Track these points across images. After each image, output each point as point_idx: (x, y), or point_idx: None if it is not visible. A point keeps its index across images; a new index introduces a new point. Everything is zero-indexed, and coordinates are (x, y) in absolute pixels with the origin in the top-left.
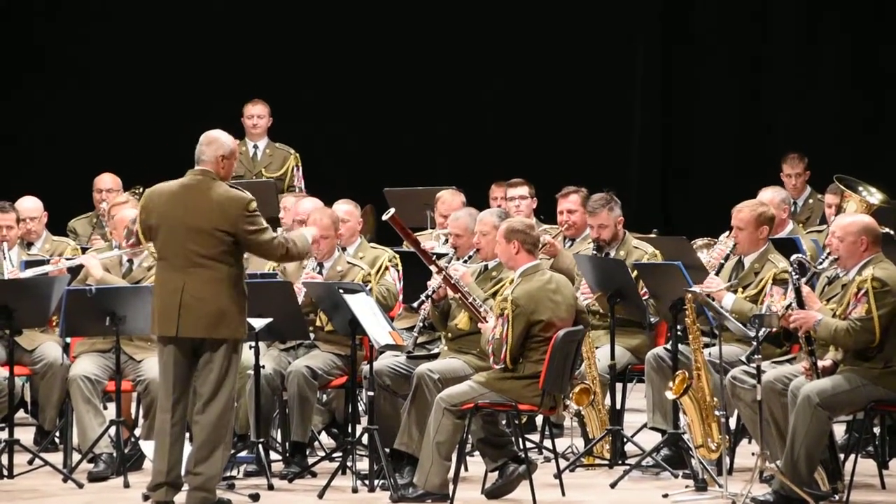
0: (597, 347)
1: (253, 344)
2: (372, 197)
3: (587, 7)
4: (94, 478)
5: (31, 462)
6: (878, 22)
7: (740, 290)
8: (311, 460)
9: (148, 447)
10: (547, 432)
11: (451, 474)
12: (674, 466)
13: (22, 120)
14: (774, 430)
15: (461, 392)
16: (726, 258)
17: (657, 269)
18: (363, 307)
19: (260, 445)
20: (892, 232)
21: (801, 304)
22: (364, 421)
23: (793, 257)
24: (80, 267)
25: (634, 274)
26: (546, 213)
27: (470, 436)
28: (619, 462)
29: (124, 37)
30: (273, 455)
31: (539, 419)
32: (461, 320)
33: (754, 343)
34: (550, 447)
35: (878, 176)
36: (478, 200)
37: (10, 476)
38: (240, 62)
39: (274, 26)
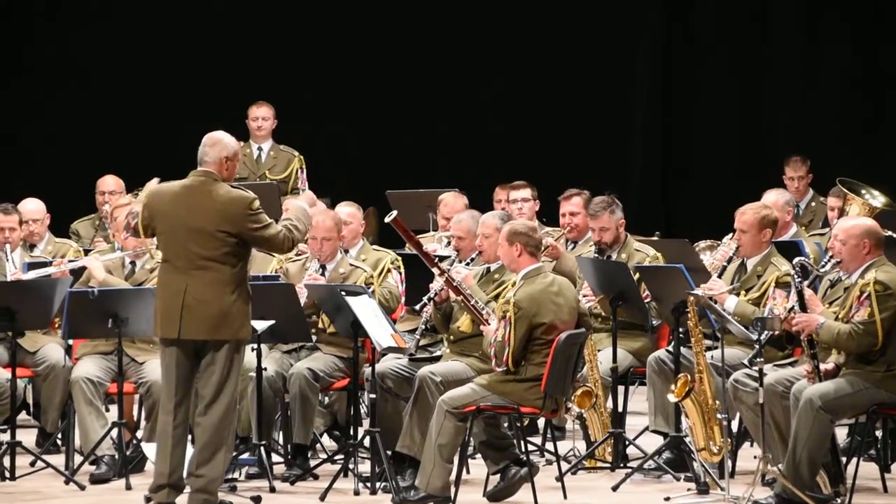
0: (599, 350)
1: (255, 346)
2: (374, 199)
3: (588, 8)
4: (95, 480)
5: (32, 464)
6: (878, 22)
7: (743, 292)
8: (312, 462)
9: (150, 449)
10: (549, 435)
11: (452, 477)
12: (676, 469)
13: (24, 121)
14: (776, 434)
15: (463, 395)
16: (729, 260)
17: (659, 271)
18: (365, 309)
19: (262, 448)
20: (894, 235)
21: (803, 308)
22: (366, 423)
23: (795, 260)
24: (83, 269)
25: (636, 276)
26: (548, 215)
27: (472, 438)
28: (621, 465)
29: (125, 37)
30: (275, 457)
31: (541, 422)
32: (463, 323)
33: (756, 346)
34: (552, 450)
35: (878, 176)
36: (480, 203)
37: (12, 478)
38: (241, 63)
39: (275, 27)
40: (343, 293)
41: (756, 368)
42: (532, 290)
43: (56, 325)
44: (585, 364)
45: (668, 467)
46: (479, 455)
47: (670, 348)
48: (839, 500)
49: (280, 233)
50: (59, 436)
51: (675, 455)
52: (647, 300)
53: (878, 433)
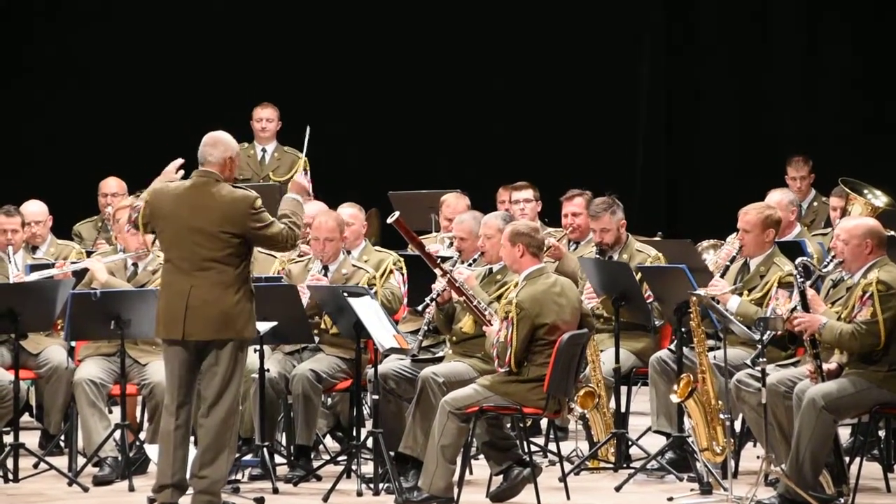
0: (601, 351)
1: (258, 347)
2: (376, 200)
3: (590, 10)
4: (99, 481)
5: (36, 466)
6: (878, 22)
7: (745, 292)
8: (315, 464)
9: (153, 451)
10: (552, 435)
11: (455, 478)
12: (678, 470)
13: (24, 121)
14: (779, 434)
15: (466, 395)
16: (732, 260)
17: (662, 272)
18: (368, 310)
19: (265, 449)
20: None
21: (805, 308)
22: (369, 424)
23: (797, 260)
24: (85, 270)
25: (638, 277)
26: (551, 216)
27: (475, 439)
28: (624, 465)
29: (125, 37)
30: (278, 458)
31: (544, 422)
32: (466, 324)
33: (759, 346)
34: (555, 450)
35: (879, 176)
36: (482, 204)
37: (16, 480)
38: (242, 63)
39: (276, 27)
40: (345, 294)
41: (759, 368)
42: (534, 291)
43: (59, 327)
44: (588, 364)
45: (671, 467)
46: (481, 456)
47: (672, 346)
48: (842, 500)
49: (283, 230)
50: (62, 438)
51: (678, 455)
52: (650, 300)
53: (881, 433)
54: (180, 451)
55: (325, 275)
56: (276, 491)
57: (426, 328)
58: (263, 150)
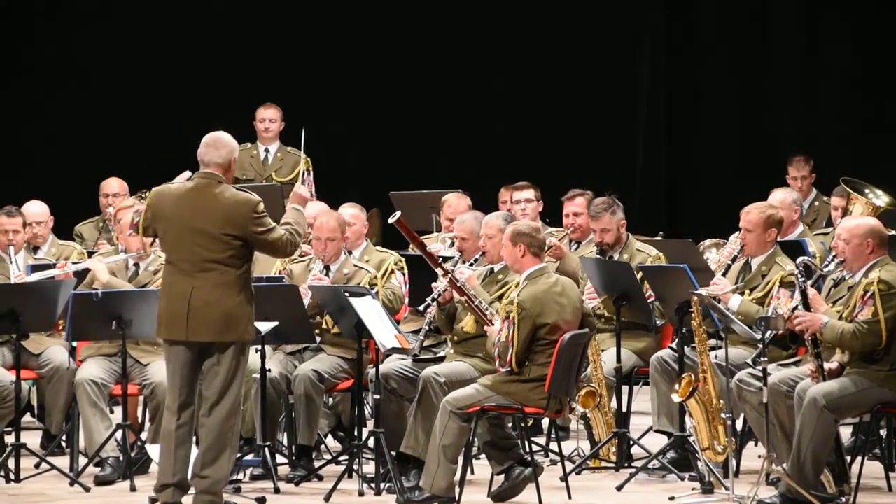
0: (603, 350)
1: (259, 347)
2: (378, 200)
3: (590, 10)
4: (100, 481)
5: (37, 466)
6: (878, 22)
7: (747, 292)
8: (317, 464)
9: (154, 451)
10: (553, 435)
11: (457, 477)
12: (680, 469)
13: (24, 121)
14: (780, 433)
15: (467, 395)
16: (733, 259)
17: (663, 271)
18: (369, 310)
19: (266, 449)
20: None
21: (807, 307)
22: (370, 424)
23: (798, 260)
24: (87, 271)
25: (640, 276)
26: (552, 216)
27: (476, 439)
28: (626, 465)
29: (125, 37)
30: (279, 458)
31: (545, 422)
32: (467, 323)
33: (760, 345)
34: (556, 450)
35: (879, 176)
36: (484, 203)
37: (17, 480)
38: (242, 63)
39: (277, 28)
40: (347, 294)
41: (760, 368)
42: (536, 291)
43: (60, 328)
44: (589, 364)
45: (672, 467)
46: (483, 455)
47: (673, 344)
48: (843, 500)
49: (283, 236)
50: (64, 438)
51: (680, 455)
52: (651, 300)
53: (883, 432)
54: (182, 451)
55: (327, 275)
56: (277, 491)
57: (427, 328)
58: (266, 151)
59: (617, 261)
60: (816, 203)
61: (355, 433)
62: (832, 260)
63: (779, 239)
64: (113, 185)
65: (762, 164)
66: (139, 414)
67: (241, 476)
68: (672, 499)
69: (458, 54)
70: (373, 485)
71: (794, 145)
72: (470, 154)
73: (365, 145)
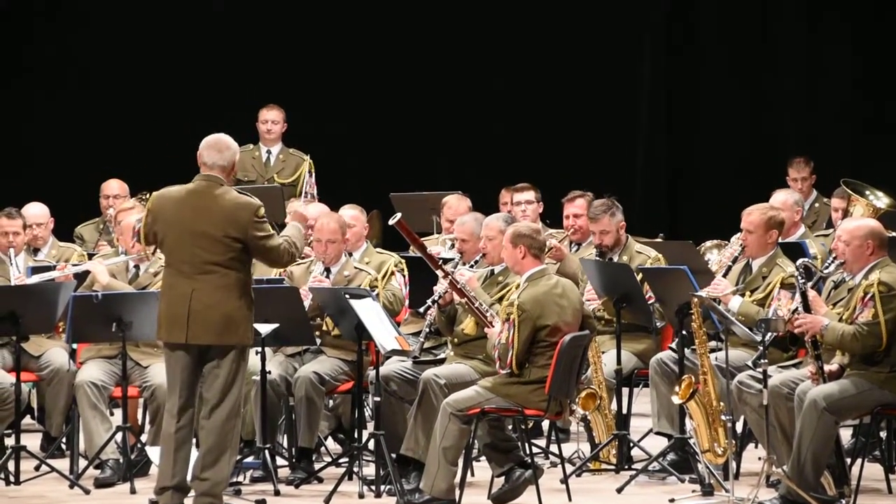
0: (603, 352)
1: (259, 350)
2: (378, 202)
3: (590, 10)
4: (100, 484)
5: (37, 468)
6: (878, 22)
7: (748, 293)
8: (317, 466)
9: (154, 453)
10: (553, 437)
11: (457, 479)
12: (680, 471)
13: (24, 121)
14: (781, 435)
15: (467, 397)
16: (734, 260)
17: (663, 273)
18: (369, 312)
19: (266, 451)
20: None
21: (807, 309)
22: (370, 426)
23: (798, 262)
24: (87, 273)
25: (640, 278)
26: (552, 217)
27: (476, 441)
28: (626, 467)
29: (125, 37)
30: (279, 460)
31: (545, 424)
32: (467, 325)
33: (760, 347)
34: (557, 452)
35: (879, 177)
36: (484, 205)
37: (17, 482)
38: (243, 64)
39: (278, 29)
40: (347, 296)
41: (760, 370)
42: (536, 293)
43: (60, 330)
44: (589, 366)
45: (672, 469)
46: (483, 457)
47: (673, 345)
48: (844, 501)
49: (281, 245)
50: (64, 440)
51: (680, 457)
52: (651, 302)
53: (883, 434)
54: (182, 454)
55: (327, 277)
56: (277, 493)
57: (428, 330)
58: (268, 152)
59: (617, 262)
60: (816, 205)
61: (355, 435)
62: (832, 262)
63: (780, 240)
64: (113, 187)
65: (762, 164)
66: (139, 416)
67: (241, 478)
68: (672, 501)
69: (458, 56)
70: (373, 487)
71: (795, 146)
72: (470, 156)
73: (365, 147)
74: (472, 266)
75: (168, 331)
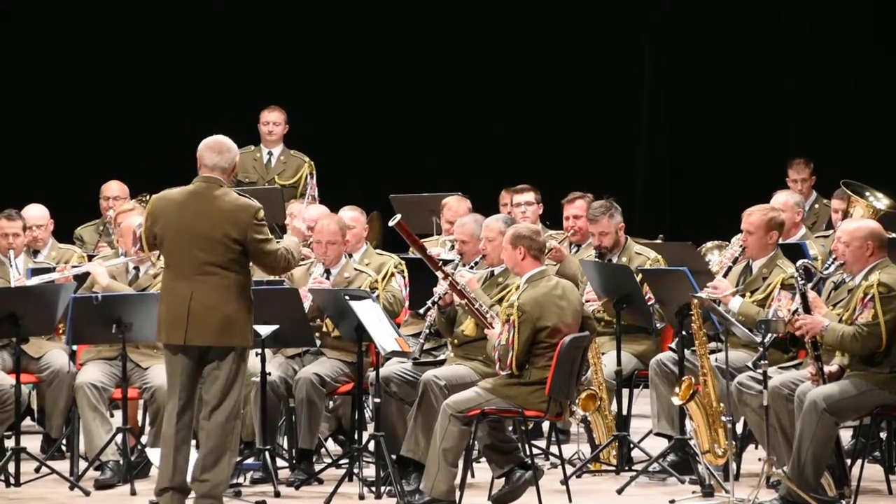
0: (603, 353)
1: (259, 351)
2: (378, 203)
3: (590, 11)
4: (100, 485)
5: (37, 470)
6: (878, 22)
7: (748, 294)
8: (317, 467)
9: (154, 454)
10: (553, 438)
11: (457, 481)
12: (680, 472)
13: (24, 121)
14: (781, 436)
15: (467, 398)
16: (734, 261)
17: (663, 274)
18: (369, 314)
19: (266, 452)
20: None
21: (807, 310)
22: (370, 427)
23: (798, 263)
24: (87, 274)
25: (639, 279)
26: (552, 218)
27: (476, 442)
28: (626, 468)
29: (126, 38)
30: (279, 462)
31: (545, 425)
32: (467, 326)
33: (760, 349)
34: (557, 453)
35: (879, 177)
36: (484, 206)
37: (17, 484)
38: (244, 65)
39: (278, 30)
40: (347, 297)
41: (760, 371)
42: (536, 294)
43: (60, 331)
44: (589, 367)
45: (672, 470)
46: (483, 459)
47: (673, 344)
48: (844, 502)
49: (279, 251)
50: (64, 441)
51: (680, 458)
52: (651, 303)
53: (883, 435)
54: (182, 455)
55: (327, 278)
56: (277, 494)
57: (428, 331)
58: (270, 154)
59: (617, 264)
60: (816, 206)
61: (355, 436)
62: (832, 263)
63: (781, 241)
64: (113, 188)
65: (763, 165)
66: (139, 417)
67: (241, 480)
68: (672, 502)
69: (457, 57)
70: (373, 488)
71: (795, 146)
72: (470, 157)
73: (365, 148)
74: (471, 267)
75: (168, 332)
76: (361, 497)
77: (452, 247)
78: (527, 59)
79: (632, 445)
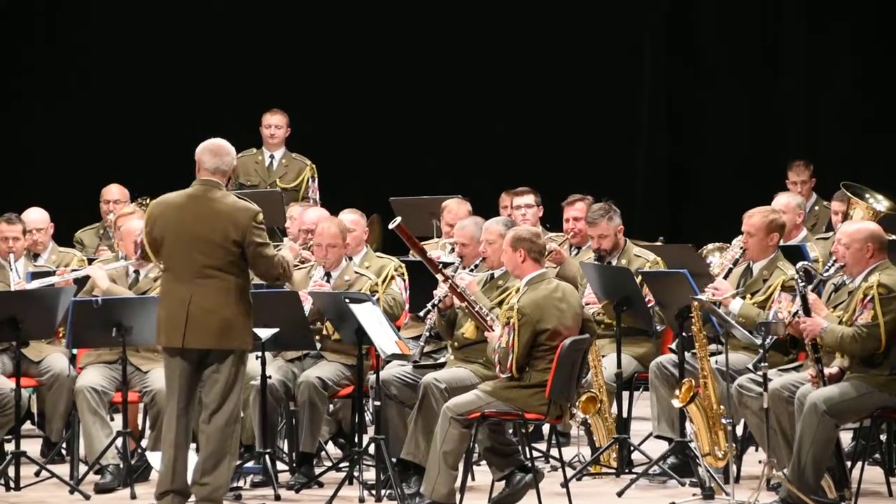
0: (603, 356)
1: (259, 354)
2: (378, 206)
3: (590, 11)
4: (100, 489)
5: (37, 474)
6: (878, 22)
7: (748, 296)
8: (317, 470)
9: (154, 458)
10: (554, 441)
11: (457, 484)
12: (681, 475)
13: (24, 121)
14: (781, 438)
15: (468, 401)
16: (735, 263)
17: (663, 276)
18: (369, 317)
19: (266, 456)
20: None
21: (807, 312)
22: (371, 431)
23: (798, 265)
24: (87, 278)
25: (639, 281)
26: (552, 220)
27: (476, 445)
28: (626, 470)
29: (126, 38)
30: (280, 465)
31: (546, 428)
32: (467, 329)
33: (761, 351)
34: (557, 456)
35: (879, 177)
36: (484, 209)
37: (17, 488)
38: (244, 67)
39: (279, 32)
40: (347, 300)
41: (760, 373)
42: (536, 296)
43: (60, 335)
44: (590, 370)
45: (673, 472)
46: (483, 462)
47: (673, 346)
48: None
49: (276, 257)
50: (64, 445)
51: (680, 460)
52: (651, 305)
53: (883, 437)
54: (181, 457)
55: (328, 281)
56: (277, 498)
57: (428, 334)
58: (271, 157)
59: (617, 266)
60: (816, 208)
61: (356, 440)
62: (832, 264)
63: (782, 243)
64: (113, 192)
65: (763, 165)
66: (139, 421)
67: (241, 483)
68: None
69: (457, 58)
70: (373, 491)
71: (795, 146)
72: (470, 160)
73: (365, 151)
74: (472, 270)
75: (167, 336)
76: (362, 500)
77: (452, 249)
78: (527, 59)
79: (632, 448)
